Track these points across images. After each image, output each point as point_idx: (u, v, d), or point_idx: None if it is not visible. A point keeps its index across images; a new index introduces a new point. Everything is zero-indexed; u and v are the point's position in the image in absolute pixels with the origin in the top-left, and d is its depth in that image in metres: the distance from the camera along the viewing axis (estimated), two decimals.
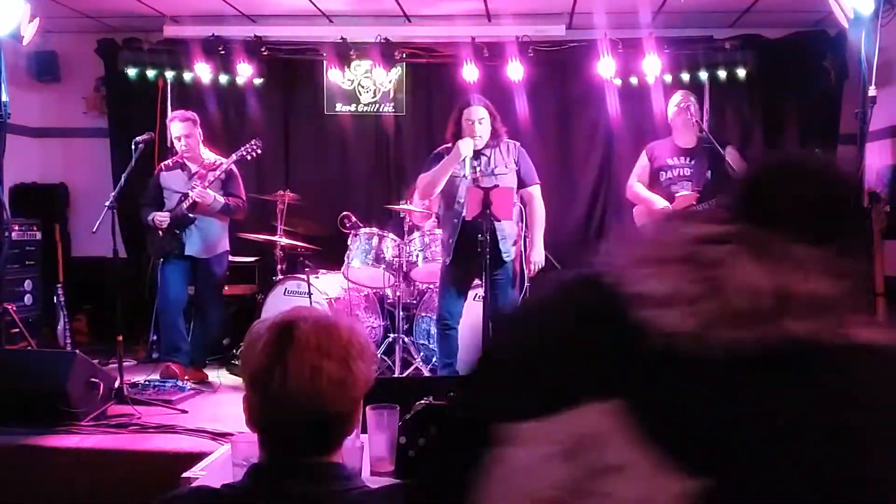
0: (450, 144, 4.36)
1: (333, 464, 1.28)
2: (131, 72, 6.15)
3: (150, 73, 6.19)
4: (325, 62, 6.16)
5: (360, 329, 1.32)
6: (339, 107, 6.35)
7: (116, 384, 4.11)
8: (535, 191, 4.49)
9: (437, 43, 6.10)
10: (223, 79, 6.14)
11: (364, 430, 2.14)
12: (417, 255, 5.01)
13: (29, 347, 4.83)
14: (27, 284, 5.79)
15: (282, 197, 5.42)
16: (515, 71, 5.74)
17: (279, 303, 5.13)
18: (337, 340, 1.25)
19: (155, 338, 5.43)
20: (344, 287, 5.31)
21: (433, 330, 5.05)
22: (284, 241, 5.39)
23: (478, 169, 4.14)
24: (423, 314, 5.22)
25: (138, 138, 4.55)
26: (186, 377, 4.80)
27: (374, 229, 5.18)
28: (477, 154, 4.24)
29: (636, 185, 4.88)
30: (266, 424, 1.27)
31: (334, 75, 6.15)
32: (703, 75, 5.86)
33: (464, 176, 4.20)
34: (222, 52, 6.00)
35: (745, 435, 0.63)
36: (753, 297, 0.66)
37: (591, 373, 0.68)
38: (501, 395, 0.73)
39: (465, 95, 4.74)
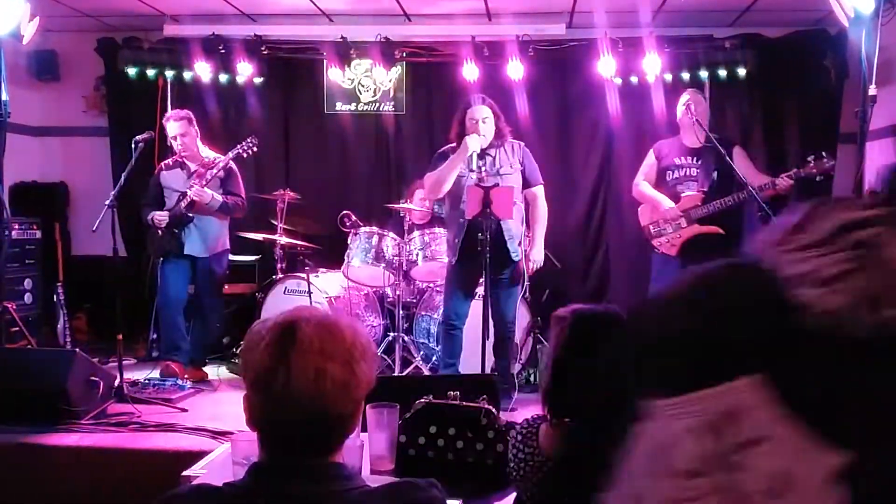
0: (454, 144, 4.38)
1: (334, 463, 1.28)
2: (131, 71, 6.15)
3: (150, 72, 6.19)
4: (325, 61, 6.16)
5: (362, 329, 1.32)
6: (340, 106, 6.35)
7: (116, 383, 4.11)
8: (539, 191, 4.51)
9: (437, 42, 6.10)
10: (223, 78, 6.14)
11: (364, 429, 2.15)
12: (417, 254, 5.01)
13: (29, 346, 4.82)
14: (27, 283, 5.80)
15: (282, 196, 5.42)
16: (515, 70, 5.74)
17: (279, 302, 5.13)
18: (340, 342, 1.25)
19: (155, 336, 5.43)
20: (344, 286, 5.31)
21: (433, 329, 5.05)
22: (284, 239, 5.40)
23: (483, 169, 4.15)
24: (423, 313, 5.22)
25: (138, 137, 4.55)
26: (186, 376, 4.80)
27: (374, 228, 5.18)
28: (482, 154, 4.25)
29: (642, 184, 4.87)
30: (267, 425, 1.27)
31: (334, 74, 6.15)
32: (704, 74, 5.85)
33: (470, 174, 4.20)
34: (222, 51, 6.00)
35: (891, 410, 0.66)
36: None
37: (737, 350, 0.70)
38: (647, 372, 0.75)
39: (467, 95, 4.75)
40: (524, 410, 4.03)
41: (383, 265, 5.04)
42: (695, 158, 4.70)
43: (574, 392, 1.81)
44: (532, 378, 4.89)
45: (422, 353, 5.14)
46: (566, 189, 5.99)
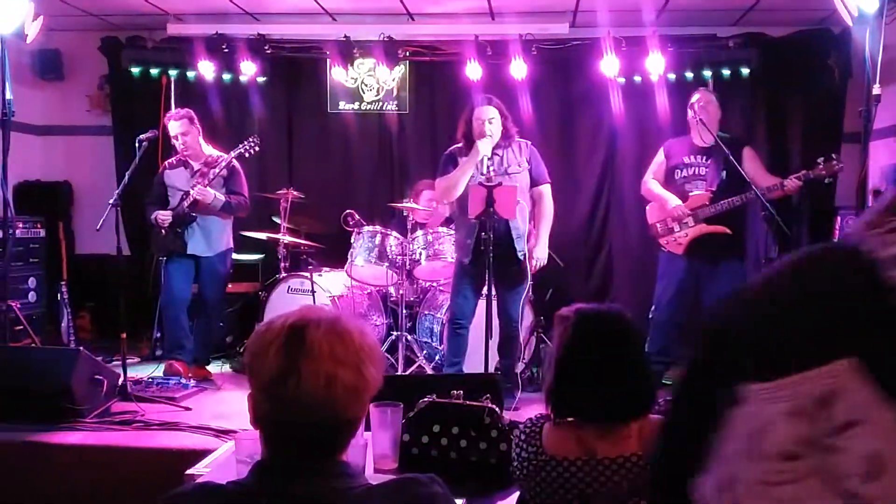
0: (461, 144, 4.40)
1: (339, 462, 1.28)
2: (135, 70, 6.16)
3: (154, 71, 6.20)
4: (328, 60, 6.16)
5: (369, 331, 1.32)
6: (343, 105, 6.35)
7: (120, 381, 4.13)
8: (546, 189, 4.52)
9: (440, 41, 6.10)
10: (226, 77, 6.15)
11: (367, 428, 2.15)
12: (421, 253, 5.01)
13: (33, 345, 4.84)
14: (31, 282, 5.81)
15: (285, 195, 5.42)
16: (519, 69, 5.73)
17: (283, 300, 5.14)
18: (350, 346, 1.24)
19: (158, 335, 5.44)
20: (347, 285, 5.31)
21: (436, 328, 5.05)
22: (288, 238, 5.40)
23: (491, 169, 4.15)
24: (427, 312, 5.23)
25: (142, 136, 4.56)
26: (190, 375, 4.81)
27: (378, 227, 5.18)
28: (490, 154, 4.26)
29: (651, 182, 4.86)
30: (274, 426, 1.26)
31: (338, 73, 6.15)
32: (707, 73, 5.84)
33: (479, 176, 4.21)
34: (226, 50, 6.00)
35: None
36: None
37: (832, 333, 0.70)
38: (741, 358, 0.75)
39: (470, 94, 4.76)
40: (527, 409, 4.04)
41: (386, 264, 5.05)
42: (704, 157, 4.68)
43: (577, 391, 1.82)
44: (536, 377, 4.89)
45: (425, 352, 5.14)
46: (569, 188, 5.98)
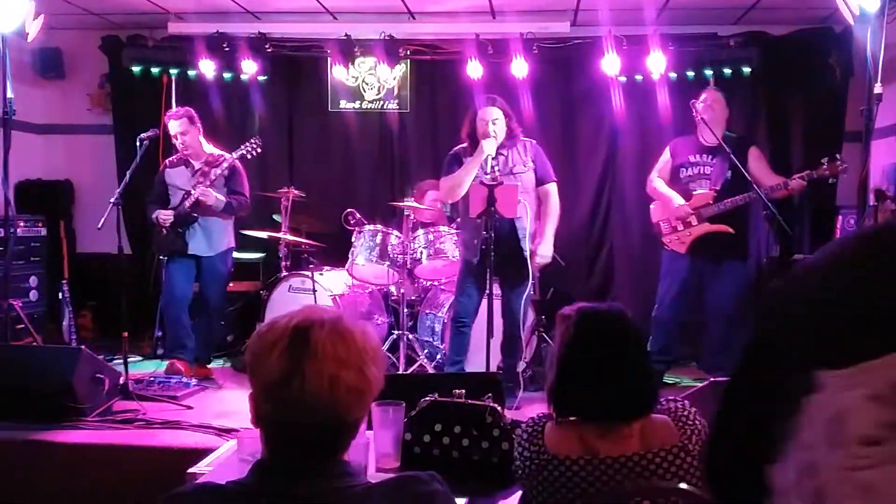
0: (465, 144, 4.40)
1: (340, 462, 1.28)
2: (136, 68, 6.15)
3: (155, 70, 6.19)
4: (329, 59, 6.15)
5: (372, 331, 1.32)
6: (343, 104, 6.35)
7: (121, 380, 4.13)
8: (552, 188, 4.52)
9: (441, 40, 6.10)
10: (227, 75, 6.15)
11: (369, 427, 2.15)
12: (422, 252, 5.01)
13: (34, 343, 4.85)
14: (32, 280, 5.82)
15: (286, 194, 5.42)
16: (520, 68, 5.73)
17: (284, 300, 5.14)
18: (353, 347, 1.24)
19: (160, 334, 5.44)
20: (348, 284, 5.31)
21: (437, 327, 5.06)
22: (289, 237, 5.40)
23: (496, 168, 4.15)
24: (428, 311, 5.22)
25: (143, 135, 4.56)
26: (191, 374, 4.81)
27: (379, 226, 5.18)
28: (495, 154, 4.26)
29: (656, 181, 4.86)
30: (277, 427, 1.26)
31: (338, 72, 6.15)
32: (708, 72, 5.83)
33: (484, 176, 4.21)
34: (226, 48, 6.00)
35: None
36: None
37: None
38: (816, 344, 0.75)
39: (471, 93, 4.75)
40: (529, 409, 4.04)
41: (388, 263, 5.05)
42: (709, 157, 4.67)
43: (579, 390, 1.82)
44: (537, 376, 4.89)
45: (426, 351, 5.14)
46: (570, 187, 5.96)
